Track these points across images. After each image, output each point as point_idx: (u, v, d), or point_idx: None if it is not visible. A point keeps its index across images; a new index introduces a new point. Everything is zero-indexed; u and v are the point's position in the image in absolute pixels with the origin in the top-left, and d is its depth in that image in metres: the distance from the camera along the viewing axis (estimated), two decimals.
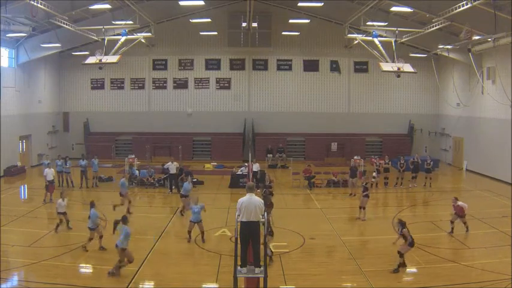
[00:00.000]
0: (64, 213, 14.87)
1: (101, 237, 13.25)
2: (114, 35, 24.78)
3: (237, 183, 22.82)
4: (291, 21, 29.82)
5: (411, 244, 11.87)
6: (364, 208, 17.02)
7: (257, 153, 30.07)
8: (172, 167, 21.92)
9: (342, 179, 23.58)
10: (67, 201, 15.13)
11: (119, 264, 11.32)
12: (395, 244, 12.63)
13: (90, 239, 13.12)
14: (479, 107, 27.20)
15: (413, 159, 23.80)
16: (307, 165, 24.67)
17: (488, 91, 25.30)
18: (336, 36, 31.64)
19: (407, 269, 12.28)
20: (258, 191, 15.68)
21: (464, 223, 15.16)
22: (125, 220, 11.72)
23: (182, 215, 17.26)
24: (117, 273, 11.25)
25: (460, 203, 15.12)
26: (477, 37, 21.68)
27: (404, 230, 11.96)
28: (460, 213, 14.97)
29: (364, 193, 17.01)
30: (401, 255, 11.86)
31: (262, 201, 8.91)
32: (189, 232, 14.11)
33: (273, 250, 12.43)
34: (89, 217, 13.23)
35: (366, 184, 17.53)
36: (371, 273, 11.55)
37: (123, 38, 24.06)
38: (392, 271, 11.65)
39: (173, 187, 21.82)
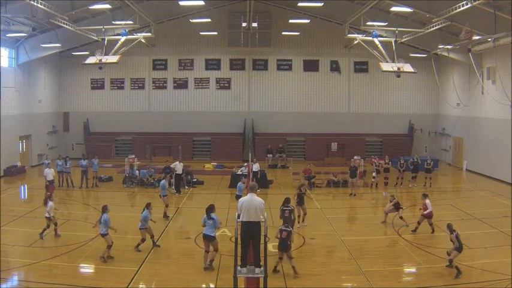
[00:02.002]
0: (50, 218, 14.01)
1: (109, 246, 12.40)
2: (114, 35, 24.75)
3: (237, 183, 22.76)
4: (291, 21, 29.79)
5: (458, 249, 11.54)
6: (387, 214, 16.49)
7: (257, 153, 30.04)
8: (179, 167, 21.89)
9: (342, 179, 23.58)
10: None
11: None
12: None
13: (109, 246, 12.33)
14: (479, 107, 27.20)
15: (413, 159, 23.81)
16: (307, 165, 24.67)
17: (488, 91, 25.30)
18: (336, 36, 31.65)
19: (408, 269, 12.32)
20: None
21: (431, 224, 14.95)
22: (211, 209, 11.93)
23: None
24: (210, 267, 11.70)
25: (427, 201, 14.82)
26: (477, 37, 21.67)
27: (451, 235, 11.72)
28: (425, 211, 14.72)
29: (397, 207, 16.24)
30: (450, 262, 11.57)
31: (263, 201, 8.89)
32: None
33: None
34: (100, 222, 12.42)
35: (394, 199, 16.53)
36: (371, 273, 11.54)
37: (123, 38, 24.02)
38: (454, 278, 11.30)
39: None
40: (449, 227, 11.96)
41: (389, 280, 11.27)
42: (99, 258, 12.20)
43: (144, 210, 13.32)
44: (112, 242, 12.39)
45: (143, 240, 13.10)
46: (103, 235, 12.38)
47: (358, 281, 11.25)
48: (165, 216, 16.84)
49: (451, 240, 11.81)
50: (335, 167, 27.52)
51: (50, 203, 14.04)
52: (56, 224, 14.39)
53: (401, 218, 16.11)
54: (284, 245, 11.42)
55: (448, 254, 11.78)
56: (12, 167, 26.10)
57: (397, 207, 16.29)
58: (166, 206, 17.19)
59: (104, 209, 12.62)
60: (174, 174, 21.88)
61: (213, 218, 11.73)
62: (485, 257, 12.67)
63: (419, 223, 15.08)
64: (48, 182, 19.66)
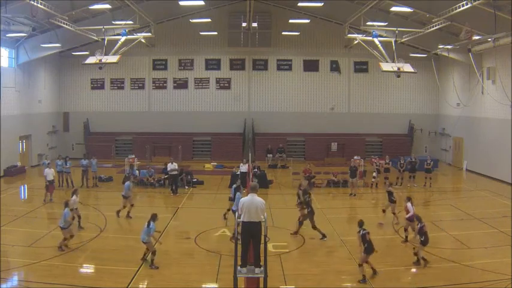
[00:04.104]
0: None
1: (71, 236, 13.25)
2: (114, 35, 24.75)
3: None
4: (291, 21, 29.77)
5: (423, 242, 11.98)
6: (394, 214, 16.22)
7: (257, 153, 30.06)
8: (172, 167, 21.84)
9: (342, 179, 23.58)
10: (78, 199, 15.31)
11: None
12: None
13: (65, 239, 13.07)
14: (479, 107, 27.20)
15: (410, 159, 23.92)
16: (307, 165, 24.67)
17: (488, 91, 25.29)
18: (336, 36, 31.65)
19: (408, 269, 12.30)
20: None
21: (406, 230, 14.42)
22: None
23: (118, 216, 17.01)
24: None
25: (408, 204, 14.06)
26: (477, 37, 21.67)
27: (416, 226, 12.18)
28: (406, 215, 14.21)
29: (390, 198, 16.29)
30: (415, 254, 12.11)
31: (264, 201, 8.88)
32: None
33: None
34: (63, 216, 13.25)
35: (389, 187, 16.67)
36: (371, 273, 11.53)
37: (123, 38, 24.01)
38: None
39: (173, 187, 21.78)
40: (417, 218, 12.41)
41: (390, 280, 11.26)
42: (58, 249, 12.90)
43: (150, 222, 12.18)
44: (69, 236, 13.16)
45: (154, 252, 12.09)
46: (62, 228, 13.06)
47: (358, 281, 11.23)
48: (128, 216, 16.83)
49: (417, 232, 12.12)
50: (335, 167, 27.49)
51: (74, 197, 14.93)
52: (79, 217, 15.32)
53: (394, 214, 16.14)
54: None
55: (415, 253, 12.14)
56: (12, 167, 26.09)
57: (390, 198, 16.15)
58: (131, 205, 17.10)
59: (66, 205, 13.47)
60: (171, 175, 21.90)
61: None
62: (485, 257, 12.66)
63: (406, 229, 14.47)
64: (48, 182, 19.63)
